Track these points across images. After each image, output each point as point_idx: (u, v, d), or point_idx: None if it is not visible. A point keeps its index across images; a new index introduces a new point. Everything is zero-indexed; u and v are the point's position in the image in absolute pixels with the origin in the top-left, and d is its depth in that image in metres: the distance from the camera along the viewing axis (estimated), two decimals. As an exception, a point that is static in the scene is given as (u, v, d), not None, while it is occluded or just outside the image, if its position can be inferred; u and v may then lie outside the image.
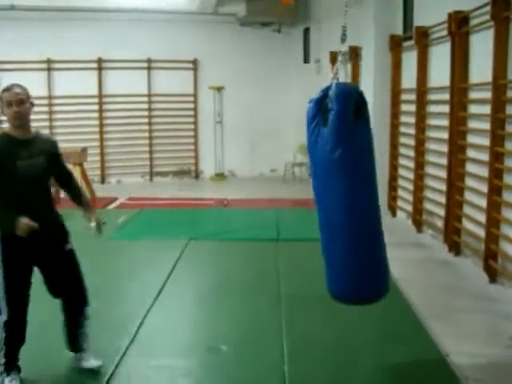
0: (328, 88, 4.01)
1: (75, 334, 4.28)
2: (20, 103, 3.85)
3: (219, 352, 4.59)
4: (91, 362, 4.25)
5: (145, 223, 9.43)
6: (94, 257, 7.30)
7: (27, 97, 3.92)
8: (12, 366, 4.01)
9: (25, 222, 3.74)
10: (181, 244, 7.72)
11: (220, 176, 14.38)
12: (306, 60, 13.75)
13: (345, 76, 4.14)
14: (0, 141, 3.89)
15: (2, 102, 3.86)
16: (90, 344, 4.33)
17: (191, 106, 14.16)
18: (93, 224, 4.32)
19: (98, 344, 4.61)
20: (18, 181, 3.84)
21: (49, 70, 13.11)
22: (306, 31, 13.70)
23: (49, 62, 13.05)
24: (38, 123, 12.62)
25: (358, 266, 3.97)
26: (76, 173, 10.70)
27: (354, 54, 9.96)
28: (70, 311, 4.25)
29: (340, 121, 3.86)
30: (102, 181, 13.55)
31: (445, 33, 7.43)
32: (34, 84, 12.59)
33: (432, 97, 8.27)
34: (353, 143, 3.86)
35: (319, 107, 4.00)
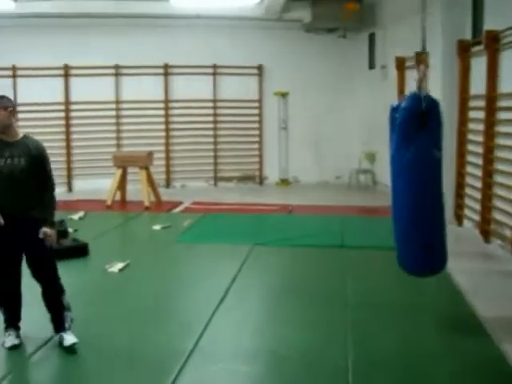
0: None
1: (55, 316, 4.73)
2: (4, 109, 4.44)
3: (283, 358, 4.58)
4: (68, 340, 4.60)
5: (209, 227, 9.51)
6: (160, 259, 7.45)
7: (2, 107, 4.46)
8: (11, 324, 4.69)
9: None
10: (245, 249, 7.75)
11: (284, 182, 14.39)
12: (372, 66, 13.64)
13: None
14: None
15: None
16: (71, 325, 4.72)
17: (256, 111, 14.22)
18: (41, 235, 4.54)
19: (162, 347, 4.69)
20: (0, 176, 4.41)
21: (116, 75, 13.37)
22: (372, 37, 13.58)
23: (117, 67, 13.31)
24: (106, 127, 13.02)
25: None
26: (142, 176, 10.93)
27: (420, 59, 9.80)
28: (45, 296, 4.73)
29: (399, 130, 4.51)
30: (167, 185, 13.73)
31: (517, 37, 7.27)
32: (103, 89, 13.06)
33: (502, 103, 8.08)
34: (408, 151, 4.52)
35: (393, 114, 4.66)
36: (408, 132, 4.42)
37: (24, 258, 4.65)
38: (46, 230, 4.53)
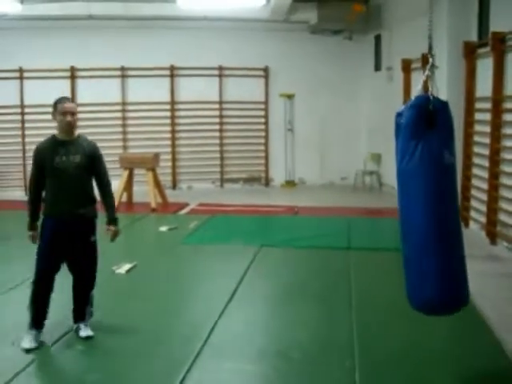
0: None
1: (78, 308, 4.93)
2: (73, 114, 4.75)
3: (290, 358, 4.60)
4: (85, 331, 4.84)
5: (216, 229, 9.54)
6: (167, 261, 7.47)
7: (76, 110, 4.82)
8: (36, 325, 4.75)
9: (30, 235, 4.83)
10: (252, 250, 7.78)
11: (290, 183, 14.41)
12: (378, 68, 13.65)
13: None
14: (49, 141, 4.83)
15: (57, 109, 4.73)
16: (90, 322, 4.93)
17: (262, 113, 14.25)
18: (108, 232, 4.90)
19: (171, 346, 4.72)
20: (55, 173, 4.69)
21: (123, 77, 13.43)
22: (378, 39, 13.60)
23: (123, 69, 13.37)
24: (113, 129, 13.05)
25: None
26: (149, 178, 10.96)
27: (427, 61, 9.82)
28: (77, 289, 4.92)
29: (403, 135, 4.02)
30: (174, 186, 13.77)
31: (523, 39, 7.27)
32: (109, 91, 13.09)
33: (508, 105, 8.08)
34: (414, 156, 3.95)
35: (398, 120, 4.15)
36: (414, 133, 3.99)
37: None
38: (111, 227, 4.87)
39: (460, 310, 4.17)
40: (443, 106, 4.03)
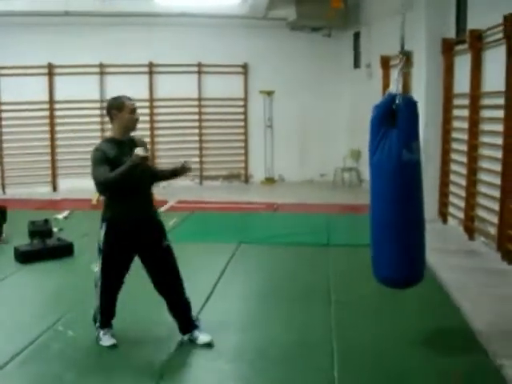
0: None
1: (183, 321, 4.78)
2: (136, 112, 4.55)
3: (268, 356, 4.60)
4: (202, 338, 4.71)
5: (195, 226, 9.51)
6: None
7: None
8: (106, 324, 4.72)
9: (137, 153, 4.24)
10: (231, 247, 7.76)
11: (270, 180, 14.40)
12: (357, 65, 13.68)
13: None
14: (109, 143, 4.52)
15: (123, 109, 4.53)
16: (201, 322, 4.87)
17: (241, 110, 14.22)
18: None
19: (147, 344, 4.69)
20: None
21: (101, 74, 13.31)
22: (357, 36, 13.62)
23: (101, 66, 13.26)
24: (91, 126, 12.95)
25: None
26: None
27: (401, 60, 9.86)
28: (172, 306, 4.78)
29: (370, 129, 4.31)
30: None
31: (500, 36, 7.31)
32: (88, 87, 12.98)
33: (486, 101, 8.14)
34: (376, 151, 4.31)
35: None
36: (377, 131, 4.25)
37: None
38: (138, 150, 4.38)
39: (413, 285, 4.70)
40: (407, 105, 4.15)
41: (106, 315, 4.73)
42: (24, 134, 12.81)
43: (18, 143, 12.75)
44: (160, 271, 4.69)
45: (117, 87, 13.05)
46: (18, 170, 12.82)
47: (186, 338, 4.78)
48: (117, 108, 4.55)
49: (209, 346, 4.67)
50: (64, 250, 7.44)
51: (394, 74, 4.37)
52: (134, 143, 4.56)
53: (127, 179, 4.32)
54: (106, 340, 4.66)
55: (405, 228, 4.37)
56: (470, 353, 4.69)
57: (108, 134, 4.73)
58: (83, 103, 12.90)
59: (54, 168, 13.23)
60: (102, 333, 4.69)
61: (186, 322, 4.79)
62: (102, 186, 4.39)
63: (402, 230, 4.36)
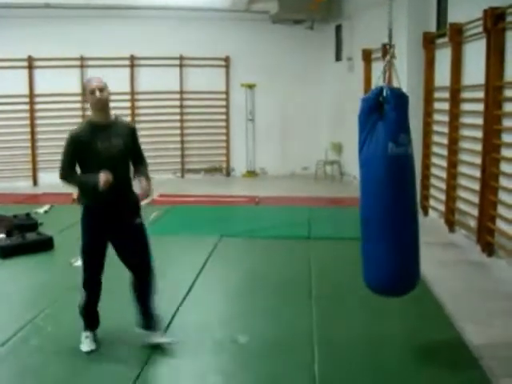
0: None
1: (143, 310, 4.65)
2: (101, 90, 4.39)
3: (250, 349, 4.60)
4: (159, 339, 4.60)
5: (176, 220, 9.47)
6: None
7: (106, 85, 4.47)
8: (88, 324, 4.62)
9: (104, 175, 4.23)
10: (212, 241, 7.75)
11: (251, 173, 14.39)
12: (338, 58, 13.70)
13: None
14: (84, 127, 4.47)
15: (86, 89, 4.42)
16: (160, 321, 4.71)
17: (223, 103, 14.19)
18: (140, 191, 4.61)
19: (129, 339, 4.67)
20: (99, 159, 4.35)
21: (82, 66, 13.21)
22: (338, 28, 13.63)
23: (82, 59, 13.16)
24: (72, 120, 12.76)
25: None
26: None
27: (386, 51, 9.89)
28: (136, 283, 4.66)
29: (358, 122, 4.16)
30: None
31: (480, 29, 7.34)
32: (68, 81, 12.85)
33: (466, 95, 8.18)
34: (363, 145, 4.13)
35: None
36: (365, 124, 4.12)
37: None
38: (143, 180, 4.58)
39: (405, 293, 4.38)
40: (394, 98, 4.05)
41: (89, 316, 4.65)
42: (4, 127, 12.70)
43: (-2, 137, 12.66)
44: (130, 247, 4.62)
45: (97, 80, 13.02)
46: (-2, 164, 12.74)
47: (138, 330, 4.69)
48: (84, 90, 4.53)
49: (167, 345, 4.58)
50: (44, 245, 7.38)
51: (380, 67, 4.30)
52: (111, 126, 4.51)
53: (84, 190, 4.46)
54: (86, 345, 4.55)
55: (396, 225, 4.14)
56: (447, 340, 4.75)
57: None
58: (64, 96, 12.78)
59: (34, 162, 13.13)
60: (84, 336, 4.60)
61: (146, 313, 4.67)
62: (60, 178, 4.48)
63: (392, 227, 4.13)
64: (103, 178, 4.22)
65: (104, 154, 4.38)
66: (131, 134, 4.66)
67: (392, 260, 4.14)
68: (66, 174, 4.43)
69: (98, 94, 4.37)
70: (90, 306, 4.61)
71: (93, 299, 4.60)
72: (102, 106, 4.45)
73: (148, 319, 4.64)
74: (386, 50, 4.40)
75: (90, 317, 4.65)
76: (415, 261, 4.31)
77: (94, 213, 4.48)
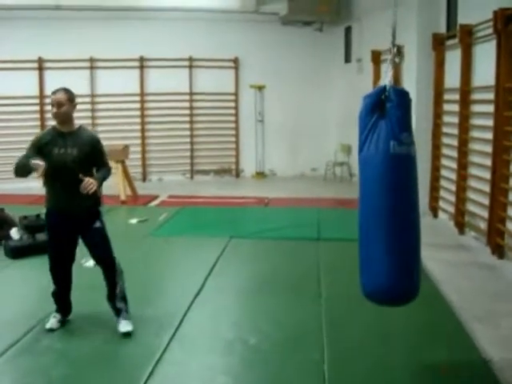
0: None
1: (111, 299, 4.99)
2: (59, 106, 4.67)
3: (259, 350, 4.61)
4: (122, 327, 4.85)
5: (185, 221, 9.49)
6: (136, 253, 7.40)
7: (68, 99, 4.74)
8: (58, 309, 5.04)
9: (34, 162, 4.51)
10: (222, 242, 7.76)
11: (261, 175, 14.40)
12: (348, 59, 13.69)
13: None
14: (48, 132, 4.86)
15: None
16: (128, 312, 4.97)
17: (232, 104, 14.20)
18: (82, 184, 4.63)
19: (139, 340, 4.69)
20: (52, 164, 4.60)
21: (92, 68, 13.27)
22: (348, 30, 13.62)
23: (92, 60, 13.21)
24: (81, 121, 12.87)
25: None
26: (118, 170, 10.87)
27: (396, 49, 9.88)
28: (105, 277, 5.00)
29: (359, 122, 4.03)
30: (144, 179, 13.68)
31: (490, 31, 7.33)
32: (77, 82, 12.86)
33: (476, 96, 8.16)
34: (364, 146, 3.96)
35: None
36: (366, 123, 4.01)
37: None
38: (88, 179, 4.62)
39: (400, 302, 4.13)
40: (396, 95, 3.96)
41: (57, 301, 5.06)
42: (14, 128, 12.74)
43: (9, 138, 12.67)
44: (91, 248, 4.96)
45: (107, 81, 13.11)
46: (9, 165, 12.69)
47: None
48: None
49: (127, 335, 4.80)
50: (54, 245, 7.39)
51: (385, 66, 4.26)
52: (71, 135, 4.76)
53: (20, 172, 4.72)
54: (49, 323, 4.93)
55: (396, 228, 3.89)
56: (457, 343, 4.73)
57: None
58: (74, 97, 12.82)
59: (44, 162, 13.14)
60: (52, 315, 5.01)
61: (111, 305, 5.00)
62: (14, 166, 4.73)
63: (392, 230, 3.89)
64: (37, 165, 4.49)
65: (57, 161, 4.63)
66: (91, 144, 4.80)
67: (391, 265, 3.87)
68: (18, 160, 4.70)
69: (54, 109, 4.68)
70: (57, 292, 5.02)
71: (59, 287, 5.00)
72: (60, 120, 4.73)
73: (114, 307, 4.98)
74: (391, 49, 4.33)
75: (58, 302, 5.04)
76: (416, 267, 4.02)
77: (51, 215, 4.85)
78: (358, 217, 4.06)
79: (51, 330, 4.86)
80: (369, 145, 3.90)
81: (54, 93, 4.75)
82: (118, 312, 4.94)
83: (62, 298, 5.05)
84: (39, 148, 4.69)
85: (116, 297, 4.95)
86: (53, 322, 4.93)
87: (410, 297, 4.04)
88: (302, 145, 14.35)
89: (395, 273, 3.88)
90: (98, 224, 4.91)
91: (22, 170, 4.67)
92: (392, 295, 3.99)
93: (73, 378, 4.15)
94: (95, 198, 4.87)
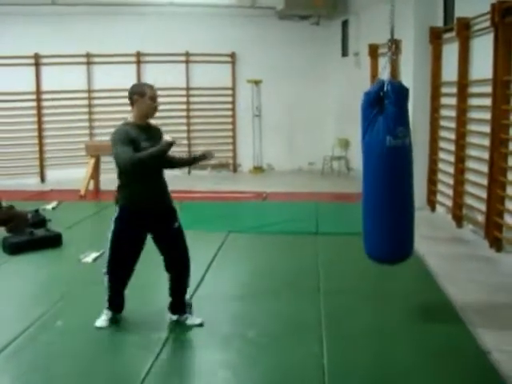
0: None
1: (178, 301, 4.94)
2: (156, 100, 4.78)
3: (258, 344, 4.61)
4: (195, 320, 4.91)
5: (183, 215, 9.35)
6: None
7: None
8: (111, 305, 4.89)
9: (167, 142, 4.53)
10: (220, 237, 7.76)
11: (258, 169, 14.39)
12: (345, 53, 13.66)
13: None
14: (129, 126, 4.72)
15: (145, 95, 4.74)
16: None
17: (229, 99, 14.18)
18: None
19: (136, 336, 4.70)
20: None
21: (88, 63, 13.23)
22: (345, 24, 13.60)
23: (89, 56, 13.18)
24: (79, 116, 12.89)
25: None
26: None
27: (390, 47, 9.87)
28: (173, 279, 4.93)
29: (360, 115, 4.56)
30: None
31: (487, 24, 7.32)
32: (74, 78, 12.90)
33: (473, 90, 8.15)
34: (364, 136, 4.59)
35: None
36: (366, 117, 4.47)
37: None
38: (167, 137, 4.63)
39: (399, 261, 4.96)
40: (394, 91, 4.23)
41: (112, 302, 4.90)
42: (11, 124, 12.72)
43: (6, 134, 12.65)
44: (170, 249, 4.86)
45: (104, 77, 13.06)
46: (5, 161, 12.72)
47: (174, 317, 4.94)
48: (139, 94, 4.76)
49: (200, 326, 4.87)
50: (52, 241, 7.40)
51: (383, 62, 4.45)
52: (150, 129, 4.76)
53: (154, 162, 4.55)
54: (99, 321, 4.83)
55: (391, 210, 4.66)
56: (455, 335, 4.75)
57: (129, 117, 4.92)
58: (71, 93, 12.82)
59: (41, 159, 13.14)
60: (103, 313, 4.90)
61: (180, 303, 4.94)
62: (127, 164, 4.47)
63: (388, 212, 4.68)
64: (168, 138, 4.53)
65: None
66: (160, 135, 4.79)
67: (390, 233, 4.73)
68: (134, 156, 4.46)
69: (155, 103, 4.77)
70: (116, 290, 4.86)
71: (121, 285, 4.86)
72: (154, 113, 4.81)
73: (182, 306, 4.94)
74: (390, 45, 4.61)
75: (115, 300, 4.90)
76: (410, 236, 4.87)
77: (131, 213, 4.65)
78: (362, 198, 4.81)
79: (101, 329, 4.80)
80: (370, 135, 4.49)
81: (149, 87, 4.86)
82: (185, 308, 4.95)
83: (119, 295, 4.93)
84: (131, 141, 4.54)
85: (185, 294, 4.97)
86: (103, 320, 4.87)
87: (403, 257, 4.94)
88: (299, 139, 14.34)
89: (393, 240, 4.81)
90: (177, 224, 4.89)
91: (158, 157, 4.58)
92: (387, 257, 4.93)
93: (72, 375, 4.15)
94: (170, 198, 4.88)
